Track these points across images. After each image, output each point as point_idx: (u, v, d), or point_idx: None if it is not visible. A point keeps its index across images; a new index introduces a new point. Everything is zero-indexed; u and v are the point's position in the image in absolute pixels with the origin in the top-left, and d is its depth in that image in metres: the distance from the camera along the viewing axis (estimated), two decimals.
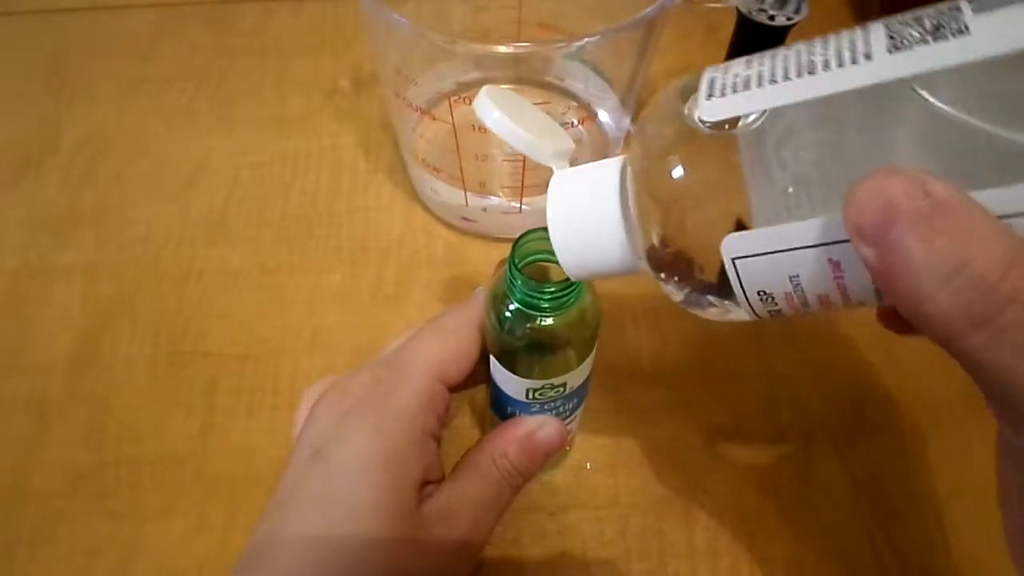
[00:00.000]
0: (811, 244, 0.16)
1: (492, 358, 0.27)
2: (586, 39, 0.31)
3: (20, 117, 0.47)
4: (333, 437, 0.26)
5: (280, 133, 0.45)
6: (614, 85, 0.40)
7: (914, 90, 0.15)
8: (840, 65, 0.16)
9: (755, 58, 0.18)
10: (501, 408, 0.29)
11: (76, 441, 0.34)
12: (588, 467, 0.33)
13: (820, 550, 0.31)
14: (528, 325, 0.25)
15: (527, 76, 0.41)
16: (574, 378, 0.27)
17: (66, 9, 0.53)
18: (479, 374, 0.29)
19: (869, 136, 0.16)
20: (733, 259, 0.18)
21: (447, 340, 0.28)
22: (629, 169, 0.20)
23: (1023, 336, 0.14)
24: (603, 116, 0.41)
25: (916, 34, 0.15)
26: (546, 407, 0.28)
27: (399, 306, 0.38)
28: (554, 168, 0.22)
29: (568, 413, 0.29)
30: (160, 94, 0.48)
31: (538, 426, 0.28)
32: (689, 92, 0.19)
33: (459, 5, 0.42)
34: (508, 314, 0.25)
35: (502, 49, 0.31)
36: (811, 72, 0.16)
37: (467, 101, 0.34)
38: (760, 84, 0.17)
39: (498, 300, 0.26)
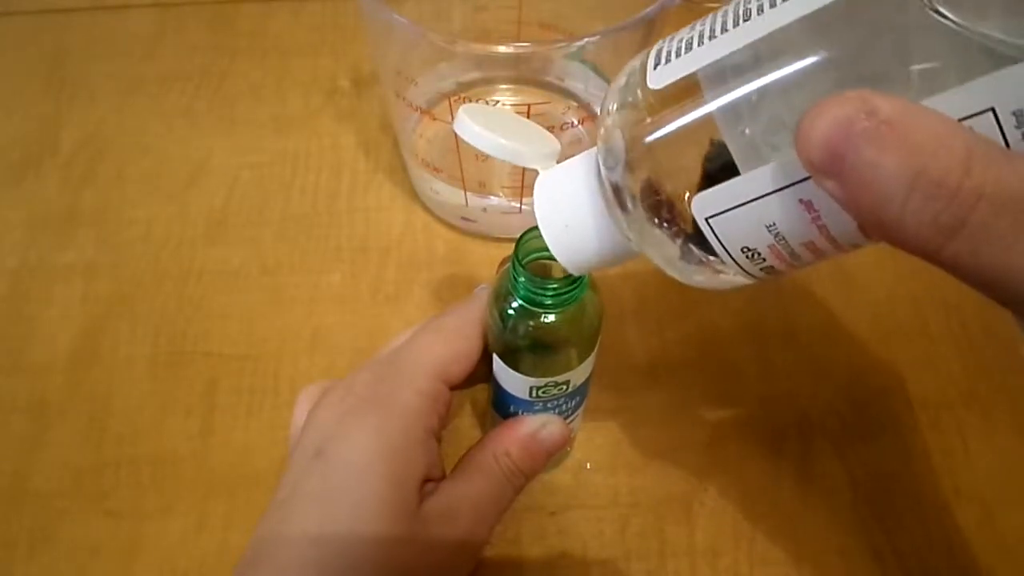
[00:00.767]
0: (777, 188, 0.16)
1: (495, 357, 0.27)
2: (586, 39, 0.31)
3: (20, 117, 0.47)
4: (335, 436, 0.26)
5: (280, 133, 0.45)
6: None
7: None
8: (772, 5, 0.16)
9: (699, 20, 0.18)
10: (503, 407, 0.29)
11: (76, 441, 0.34)
12: (588, 467, 0.33)
13: (820, 550, 0.31)
14: (531, 322, 0.25)
15: (527, 76, 0.41)
16: (577, 375, 0.27)
17: (66, 9, 0.53)
18: (480, 373, 0.29)
19: (812, 66, 0.15)
20: (706, 219, 0.18)
21: (449, 339, 0.28)
22: (598, 151, 0.20)
23: (999, 232, 0.13)
24: None
25: None
26: (549, 405, 0.28)
27: (399, 306, 0.38)
28: (539, 170, 0.23)
29: (571, 411, 0.29)
30: (160, 94, 0.48)
31: (541, 425, 0.28)
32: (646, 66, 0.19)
33: (459, 5, 0.42)
34: (511, 312, 0.25)
35: (502, 49, 0.31)
36: (747, 19, 0.16)
37: (467, 101, 0.34)
38: (701, 43, 0.17)
39: (501, 298, 0.26)
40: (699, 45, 0.17)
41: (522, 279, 0.24)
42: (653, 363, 0.36)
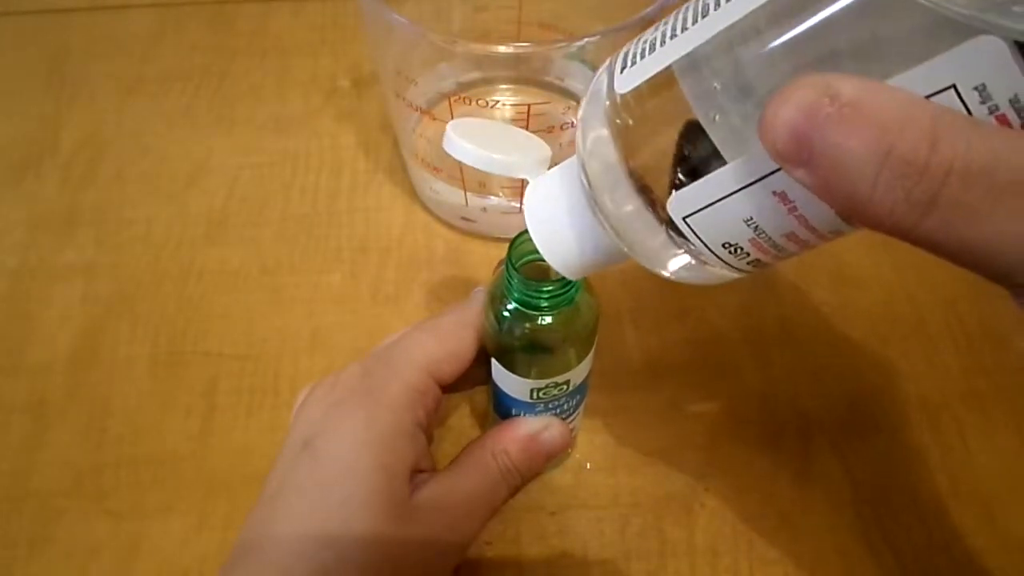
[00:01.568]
0: (750, 182, 0.16)
1: (493, 361, 0.27)
2: (586, 39, 0.31)
3: (20, 117, 0.47)
4: (323, 428, 0.26)
5: (280, 133, 0.45)
6: None
7: None
8: None
9: (663, 20, 0.18)
10: (505, 410, 0.29)
11: (76, 441, 0.34)
12: (588, 467, 0.33)
13: (820, 550, 0.31)
14: (527, 324, 0.25)
15: (527, 76, 0.41)
16: (576, 375, 0.27)
17: (66, 9, 0.53)
18: (473, 376, 0.29)
19: (773, 55, 0.15)
20: (683, 218, 0.18)
21: (442, 338, 0.28)
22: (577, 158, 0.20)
23: (972, 206, 0.13)
24: None
25: None
26: (550, 406, 0.28)
27: (399, 306, 0.38)
28: (529, 179, 0.23)
29: (571, 411, 0.29)
30: (160, 94, 0.48)
31: (543, 427, 0.28)
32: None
33: (459, 5, 0.42)
34: (506, 314, 0.26)
35: (502, 49, 0.31)
36: (704, 15, 0.16)
37: (467, 101, 0.34)
38: (663, 43, 0.17)
39: (496, 300, 0.26)
40: (662, 45, 0.17)
41: (516, 282, 0.24)
42: (652, 363, 0.36)
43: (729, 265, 0.18)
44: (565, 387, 0.27)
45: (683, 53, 0.17)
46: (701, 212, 0.17)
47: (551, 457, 0.29)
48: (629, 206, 0.19)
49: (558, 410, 0.29)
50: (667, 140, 0.17)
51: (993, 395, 0.35)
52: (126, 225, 0.41)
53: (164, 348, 0.37)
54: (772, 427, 0.34)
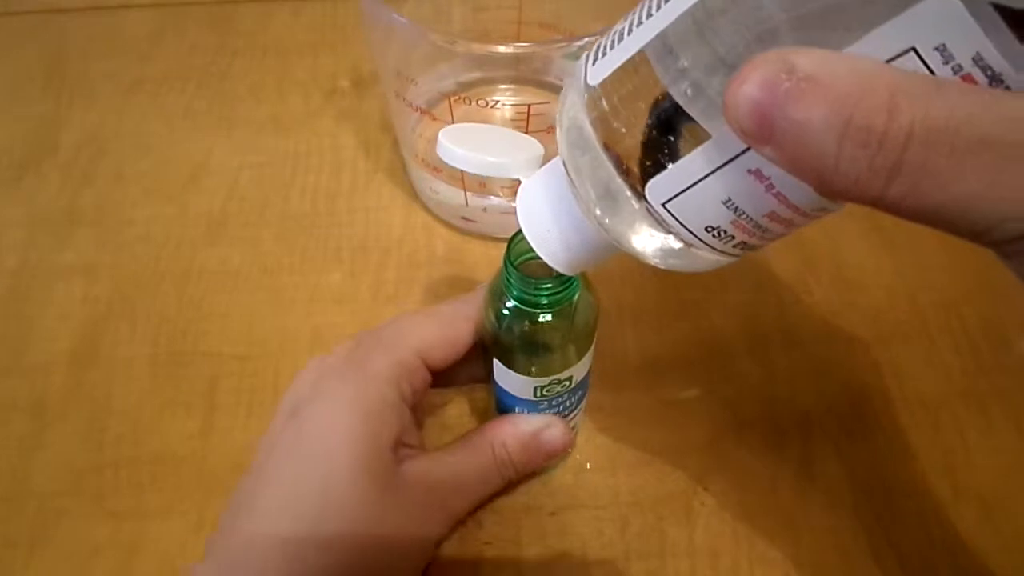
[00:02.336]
0: (723, 162, 0.16)
1: (495, 362, 0.27)
2: (586, 39, 0.31)
3: (20, 117, 0.47)
4: (310, 397, 0.26)
5: (280, 133, 0.45)
6: None
7: None
8: None
9: (631, 11, 0.18)
10: (508, 411, 0.29)
11: (76, 441, 0.34)
12: (588, 467, 0.33)
13: (820, 550, 0.31)
14: (527, 322, 0.25)
15: (527, 76, 0.41)
16: (578, 371, 0.27)
17: (66, 9, 0.53)
18: (470, 373, 0.30)
19: (733, 28, 0.15)
20: (663, 205, 0.18)
21: (438, 323, 0.28)
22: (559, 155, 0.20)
23: (936, 167, 0.13)
24: None
25: None
26: (553, 403, 0.28)
27: (399, 306, 0.38)
28: (522, 179, 0.23)
29: (574, 407, 0.30)
30: (160, 94, 0.48)
31: (545, 426, 0.29)
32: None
33: (459, 5, 0.42)
34: (506, 312, 0.26)
35: (502, 49, 0.31)
36: (667, 0, 0.16)
37: (467, 101, 0.34)
38: (630, 32, 0.17)
39: (496, 298, 0.26)
40: (628, 34, 0.17)
41: (515, 279, 0.24)
42: (653, 363, 0.36)
43: (716, 250, 0.18)
44: (568, 383, 0.27)
45: (650, 38, 0.17)
46: (679, 197, 0.17)
47: (550, 457, 0.29)
48: (612, 197, 0.19)
49: (560, 407, 0.29)
50: (640, 128, 0.17)
51: (993, 395, 0.35)
52: (126, 225, 0.41)
53: (164, 348, 0.37)
54: (772, 427, 0.34)
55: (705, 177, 0.16)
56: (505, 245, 0.25)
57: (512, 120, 0.34)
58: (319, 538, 0.24)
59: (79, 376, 0.36)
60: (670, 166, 0.17)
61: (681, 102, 0.16)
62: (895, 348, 0.36)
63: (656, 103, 0.17)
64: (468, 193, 0.38)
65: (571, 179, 0.20)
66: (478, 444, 0.28)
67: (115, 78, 0.49)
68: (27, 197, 0.43)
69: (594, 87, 0.18)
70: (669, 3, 0.16)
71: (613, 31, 0.18)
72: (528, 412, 0.29)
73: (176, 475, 0.33)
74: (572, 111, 0.19)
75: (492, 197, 0.38)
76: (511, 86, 0.41)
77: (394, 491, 0.25)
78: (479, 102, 0.34)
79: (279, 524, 0.24)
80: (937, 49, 0.13)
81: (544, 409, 0.28)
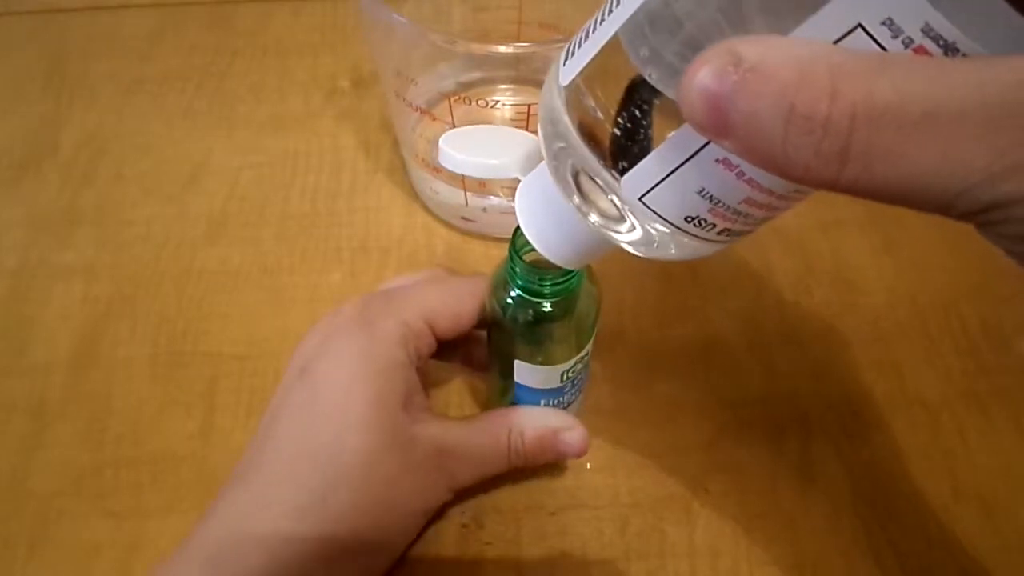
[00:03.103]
0: (691, 153, 0.16)
1: (517, 363, 0.28)
2: None
3: (20, 117, 0.47)
4: (318, 354, 0.26)
5: (280, 133, 0.45)
6: None
7: None
8: None
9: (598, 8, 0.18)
10: (521, 402, 0.30)
11: (76, 441, 0.34)
12: (588, 467, 0.33)
13: (820, 550, 0.31)
14: (530, 310, 0.26)
15: (527, 76, 0.41)
16: (577, 362, 0.29)
17: (66, 9, 0.53)
18: (465, 353, 0.31)
19: (687, 18, 0.15)
20: (639, 199, 0.18)
21: (446, 293, 0.28)
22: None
23: (885, 146, 0.12)
24: None
25: None
26: (575, 383, 0.29)
27: None
28: (520, 177, 0.23)
29: (582, 383, 0.31)
30: (160, 94, 0.48)
31: (567, 427, 0.29)
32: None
33: (459, 5, 0.42)
34: (509, 300, 0.26)
35: (502, 49, 0.31)
36: None
37: (467, 101, 0.34)
38: (595, 28, 0.17)
39: (499, 287, 0.27)
40: (593, 32, 0.17)
41: (519, 270, 0.25)
42: (653, 363, 0.36)
43: (700, 238, 0.18)
44: (586, 358, 0.29)
45: (611, 34, 0.17)
46: (654, 191, 0.17)
47: (561, 457, 0.30)
48: (592, 193, 0.19)
49: (580, 385, 0.30)
50: (611, 124, 0.17)
51: (993, 395, 0.35)
52: (126, 225, 0.41)
53: (164, 348, 0.37)
54: (772, 427, 0.34)
55: (676, 169, 0.17)
56: (505, 245, 0.25)
57: (512, 120, 0.34)
58: (327, 502, 0.24)
59: (79, 376, 0.36)
60: (642, 161, 0.17)
61: (642, 96, 0.16)
62: (895, 348, 0.36)
63: (622, 100, 0.17)
64: (468, 193, 0.38)
65: (553, 177, 0.20)
66: (497, 425, 0.28)
67: (115, 78, 0.49)
68: (27, 197, 0.43)
69: (564, 86, 0.18)
70: (626, 3, 0.16)
71: (585, 25, 0.19)
72: (555, 401, 0.30)
73: (176, 475, 0.33)
74: (546, 111, 0.19)
75: (492, 197, 0.38)
76: (511, 86, 0.41)
77: (405, 449, 0.26)
78: (479, 102, 0.34)
79: (286, 485, 0.24)
80: (884, 24, 0.12)
81: (568, 391, 0.29)
